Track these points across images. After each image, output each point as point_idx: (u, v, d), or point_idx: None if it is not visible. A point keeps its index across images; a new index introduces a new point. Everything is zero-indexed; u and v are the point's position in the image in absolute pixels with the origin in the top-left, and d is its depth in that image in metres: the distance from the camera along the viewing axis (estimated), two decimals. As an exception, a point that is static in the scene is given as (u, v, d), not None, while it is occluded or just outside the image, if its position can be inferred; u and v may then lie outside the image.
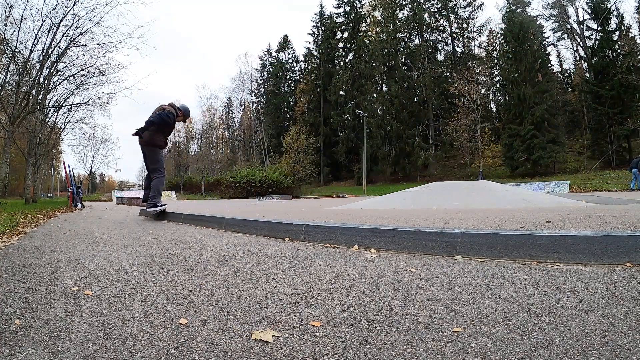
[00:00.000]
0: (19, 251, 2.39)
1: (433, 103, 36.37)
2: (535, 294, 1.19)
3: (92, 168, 48.02)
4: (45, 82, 12.58)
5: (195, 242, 2.78)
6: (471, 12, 39.57)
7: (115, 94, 13.79)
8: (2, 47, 10.98)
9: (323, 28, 45.43)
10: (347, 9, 44.20)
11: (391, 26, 37.73)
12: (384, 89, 39.00)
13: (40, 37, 11.05)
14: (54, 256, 2.18)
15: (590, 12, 30.53)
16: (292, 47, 52.88)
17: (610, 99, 26.88)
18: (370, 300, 1.18)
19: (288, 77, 52.81)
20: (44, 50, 11.39)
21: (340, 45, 45.01)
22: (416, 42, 39.56)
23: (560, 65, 39.91)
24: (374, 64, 38.63)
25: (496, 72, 37.07)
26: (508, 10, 32.62)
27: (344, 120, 42.19)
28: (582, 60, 33.72)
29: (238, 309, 1.12)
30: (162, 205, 5.20)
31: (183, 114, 5.22)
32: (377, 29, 39.73)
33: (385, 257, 1.93)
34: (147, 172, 5.36)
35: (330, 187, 39.85)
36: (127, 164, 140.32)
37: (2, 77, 11.79)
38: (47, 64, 11.90)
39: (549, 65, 33.22)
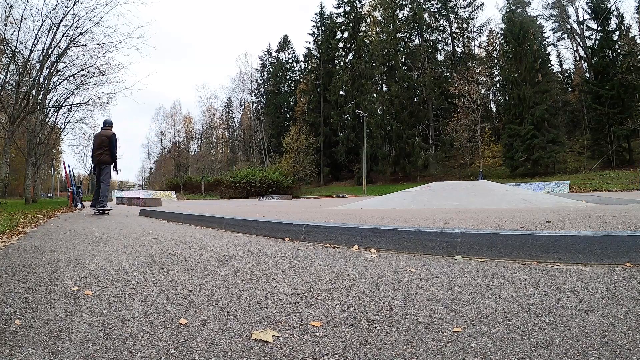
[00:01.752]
0: (19, 251, 2.40)
1: (433, 103, 36.37)
2: (535, 294, 1.19)
3: (92, 168, 47.94)
4: (45, 82, 12.58)
5: (195, 242, 2.78)
6: (471, 12, 39.60)
7: (115, 94, 13.77)
8: (2, 47, 10.97)
9: (323, 28, 45.45)
10: (347, 9, 44.19)
11: (391, 26, 37.74)
12: (384, 89, 39.02)
13: (40, 37, 11.05)
14: (54, 256, 2.18)
15: (590, 12, 30.55)
16: (292, 47, 52.92)
17: (610, 99, 26.89)
18: (370, 300, 1.18)
19: (288, 77, 52.82)
20: (44, 50, 11.38)
21: (340, 45, 45.00)
22: (416, 42, 39.57)
23: (560, 65, 39.94)
24: (374, 64, 38.64)
25: (496, 72, 37.09)
26: (508, 10, 32.62)
27: (344, 120, 42.20)
28: (582, 60, 33.74)
29: (238, 309, 1.12)
30: (108, 208, 6.87)
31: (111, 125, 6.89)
32: (377, 29, 39.74)
33: (385, 257, 1.93)
34: (97, 185, 6.91)
35: (330, 187, 39.85)
36: (127, 164, 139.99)
37: (2, 77, 11.79)
38: (47, 64, 11.89)
39: (549, 65, 33.22)
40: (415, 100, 37.70)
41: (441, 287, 1.32)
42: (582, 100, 32.59)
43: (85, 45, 11.88)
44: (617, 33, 28.56)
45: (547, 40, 36.32)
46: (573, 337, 0.84)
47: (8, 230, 3.50)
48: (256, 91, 54.43)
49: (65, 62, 12.36)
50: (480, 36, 40.28)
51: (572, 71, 39.09)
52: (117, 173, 6.94)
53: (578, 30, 33.15)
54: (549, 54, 33.85)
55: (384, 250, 2.11)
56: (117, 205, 16.18)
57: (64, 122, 18.84)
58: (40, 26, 10.79)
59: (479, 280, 1.40)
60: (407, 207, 5.76)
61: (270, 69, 52.83)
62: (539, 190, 20.01)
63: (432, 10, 39.82)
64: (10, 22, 10.66)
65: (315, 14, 46.75)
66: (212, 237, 3.04)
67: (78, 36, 11.53)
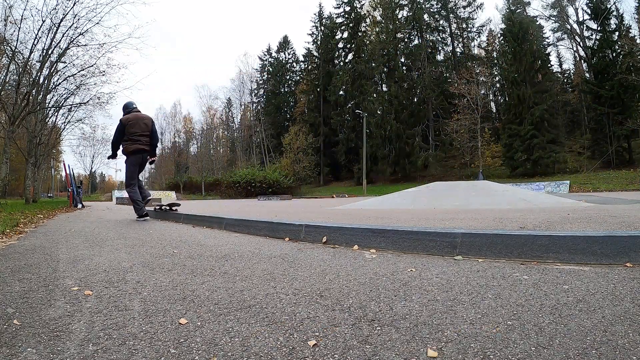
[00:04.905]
0: (19, 251, 2.39)
1: (433, 103, 36.37)
2: (535, 294, 1.19)
3: (92, 168, 48.03)
4: (45, 82, 12.59)
5: (195, 242, 2.78)
6: (471, 12, 39.62)
7: (115, 94, 13.82)
8: (2, 47, 10.98)
9: (322, 28, 45.44)
10: (347, 9, 44.19)
11: (391, 26, 37.74)
12: (384, 89, 39.03)
13: (40, 37, 11.07)
14: (54, 256, 2.18)
15: (590, 12, 30.55)
16: (292, 47, 52.91)
17: (610, 99, 26.89)
18: (370, 300, 1.18)
19: (288, 77, 52.82)
20: (44, 50, 11.39)
21: (340, 45, 45.00)
22: (416, 42, 39.59)
23: (560, 65, 39.94)
24: (373, 64, 38.64)
25: (496, 72, 37.08)
26: (508, 10, 32.64)
27: (344, 120, 42.20)
28: (582, 60, 33.75)
29: (238, 309, 1.12)
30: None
31: None
32: (377, 29, 39.73)
33: (385, 257, 1.93)
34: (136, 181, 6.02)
35: (330, 187, 39.84)
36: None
37: (2, 77, 11.80)
38: (47, 64, 11.91)
39: (549, 65, 33.21)
40: (415, 100, 37.70)
41: (441, 287, 1.32)
42: (582, 100, 32.59)
43: (85, 45, 11.90)
44: (617, 33, 28.56)
45: (547, 40, 36.36)
46: (573, 337, 0.84)
47: (8, 230, 3.50)
48: (256, 91, 54.45)
49: (65, 62, 12.39)
50: (480, 36, 40.34)
51: (572, 71, 39.10)
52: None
53: (578, 31, 33.17)
54: (548, 54, 33.87)
55: (384, 250, 2.11)
56: (117, 206, 16.19)
57: (64, 122, 18.91)
58: (40, 26, 10.82)
59: (479, 280, 1.40)
60: (407, 207, 5.76)
61: (270, 69, 52.82)
62: (539, 190, 20.02)
63: (431, 10, 39.83)
64: (10, 22, 10.67)
65: (315, 14, 46.81)
66: (212, 237, 3.04)
67: (78, 36, 11.56)
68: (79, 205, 11.54)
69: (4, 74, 11.92)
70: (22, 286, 1.44)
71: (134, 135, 5.09)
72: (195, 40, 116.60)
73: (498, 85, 37.94)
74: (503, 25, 32.56)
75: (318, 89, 44.78)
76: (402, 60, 38.83)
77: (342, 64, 44.50)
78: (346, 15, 44.40)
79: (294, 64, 52.77)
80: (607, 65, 27.71)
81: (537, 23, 33.94)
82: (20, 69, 11.38)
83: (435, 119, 36.82)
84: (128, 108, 5.40)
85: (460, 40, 40.98)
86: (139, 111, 5.41)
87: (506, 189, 6.60)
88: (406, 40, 39.41)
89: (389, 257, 1.92)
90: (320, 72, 44.38)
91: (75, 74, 12.73)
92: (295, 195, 34.47)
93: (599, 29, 29.47)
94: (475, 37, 40.51)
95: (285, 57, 52.96)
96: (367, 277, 1.50)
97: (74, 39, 11.60)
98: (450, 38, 40.73)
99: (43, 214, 6.95)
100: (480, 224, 2.46)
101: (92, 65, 12.41)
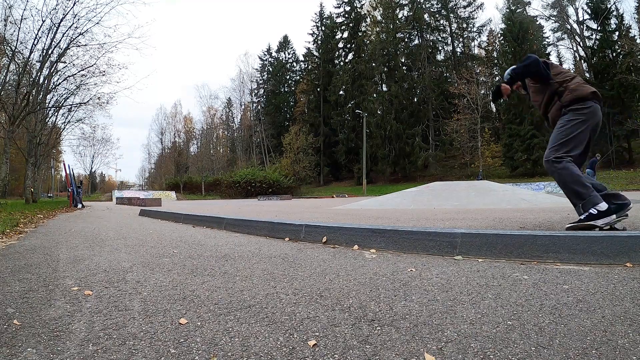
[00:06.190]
0: (19, 251, 2.40)
1: (433, 103, 36.37)
2: (535, 294, 1.19)
3: (92, 168, 48.08)
4: (45, 82, 12.60)
5: (195, 242, 2.78)
6: (471, 12, 39.64)
7: (115, 94, 13.84)
8: (2, 47, 10.98)
9: (323, 28, 45.47)
10: (347, 9, 44.22)
11: (391, 26, 37.76)
12: (384, 89, 39.02)
13: (40, 37, 11.08)
14: (54, 256, 2.18)
15: (590, 12, 30.56)
16: (292, 47, 52.93)
17: (610, 99, 26.88)
18: (370, 300, 1.18)
19: (288, 77, 52.84)
20: (44, 50, 11.40)
21: (340, 45, 45.04)
22: (416, 42, 39.61)
23: (560, 65, 39.84)
24: (374, 64, 38.64)
25: (496, 72, 37.05)
26: (508, 10, 32.66)
27: (344, 120, 42.19)
28: (582, 60, 33.73)
29: (238, 309, 1.12)
30: None
31: None
32: (377, 29, 39.74)
33: (385, 257, 1.93)
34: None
35: (330, 187, 39.85)
36: (127, 164, 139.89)
37: (2, 77, 11.80)
38: (47, 64, 11.91)
39: (549, 65, 33.16)
40: (415, 100, 37.72)
41: (441, 287, 1.32)
42: (582, 100, 32.51)
43: (85, 45, 11.90)
44: (617, 33, 28.59)
45: (547, 40, 36.34)
46: (573, 337, 0.84)
47: (8, 230, 3.50)
48: (256, 91, 54.44)
49: (65, 62, 12.39)
50: (480, 36, 40.37)
51: (572, 71, 39.02)
52: None
53: (578, 30, 33.16)
54: (549, 54, 33.86)
55: (384, 250, 2.11)
56: (117, 206, 16.19)
57: (64, 122, 18.88)
58: (40, 26, 10.83)
59: (479, 280, 1.40)
60: (407, 207, 5.76)
61: (270, 69, 52.84)
62: (539, 190, 20.00)
63: (432, 10, 39.85)
64: (10, 22, 10.67)
65: (315, 13, 46.85)
66: (212, 237, 3.04)
67: (78, 36, 11.56)
68: (79, 205, 11.55)
69: (4, 74, 11.92)
70: (22, 286, 1.44)
71: None
72: (195, 39, 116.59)
73: (498, 85, 37.90)
74: (503, 25, 32.59)
75: (318, 89, 44.81)
76: (402, 60, 38.83)
77: (342, 63, 44.52)
78: (346, 15, 44.43)
79: (294, 63, 52.80)
80: (607, 65, 27.74)
81: (537, 23, 33.97)
82: (20, 69, 11.39)
83: (435, 119, 36.82)
84: None
85: (461, 40, 41.01)
86: None
87: (506, 189, 6.60)
88: (406, 40, 39.42)
89: (389, 257, 1.92)
90: (321, 72, 44.40)
91: (75, 74, 12.73)
92: (295, 195, 34.48)
93: (599, 29, 29.50)
94: (476, 37, 40.57)
95: (285, 57, 52.99)
96: (367, 277, 1.50)
97: (74, 39, 11.61)
98: (450, 38, 40.77)
99: (43, 214, 6.95)
100: (480, 224, 2.46)
101: (92, 65, 12.41)
